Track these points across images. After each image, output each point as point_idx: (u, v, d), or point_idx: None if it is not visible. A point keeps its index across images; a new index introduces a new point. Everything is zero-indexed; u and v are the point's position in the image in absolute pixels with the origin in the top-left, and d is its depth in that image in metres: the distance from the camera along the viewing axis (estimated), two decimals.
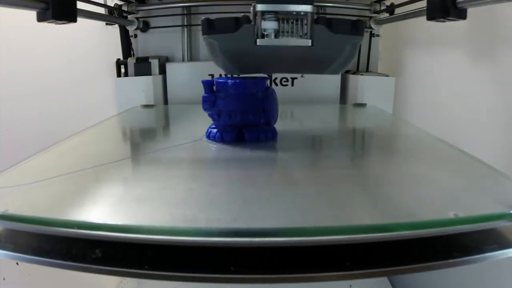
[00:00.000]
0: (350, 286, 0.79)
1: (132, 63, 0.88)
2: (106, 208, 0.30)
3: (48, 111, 1.02)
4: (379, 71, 0.96)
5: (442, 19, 0.54)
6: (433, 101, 0.83)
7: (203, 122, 0.54)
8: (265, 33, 0.44)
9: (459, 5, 0.52)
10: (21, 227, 0.28)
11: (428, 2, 0.57)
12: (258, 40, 0.44)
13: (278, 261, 0.27)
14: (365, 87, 0.86)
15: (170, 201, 0.32)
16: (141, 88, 0.86)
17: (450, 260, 0.27)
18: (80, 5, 0.63)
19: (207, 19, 0.45)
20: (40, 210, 0.29)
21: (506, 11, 0.58)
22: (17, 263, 0.53)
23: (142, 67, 0.88)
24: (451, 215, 0.28)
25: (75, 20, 0.57)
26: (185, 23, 0.92)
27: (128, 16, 0.89)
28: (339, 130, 0.67)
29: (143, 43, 0.94)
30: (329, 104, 0.89)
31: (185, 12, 0.92)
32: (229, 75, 0.71)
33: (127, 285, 0.84)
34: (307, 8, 0.43)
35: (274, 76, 0.88)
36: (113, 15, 0.86)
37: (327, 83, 0.90)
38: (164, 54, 0.94)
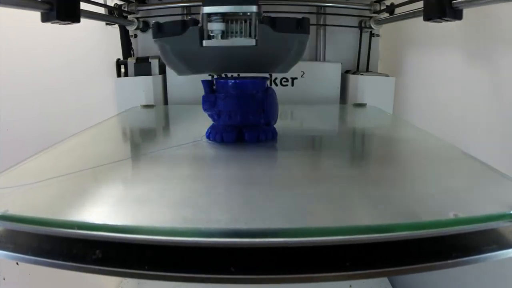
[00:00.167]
0: (350, 286, 0.79)
1: (132, 63, 0.88)
2: (106, 209, 0.30)
3: (48, 111, 1.01)
4: (379, 71, 0.96)
5: (438, 20, 0.55)
6: (433, 101, 0.83)
7: (203, 122, 0.54)
8: (212, 34, 0.45)
9: (455, 6, 0.53)
10: (21, 228, 0.28)
11: (424, 3, 0.57)
12: (203, 41, 0.45)
13: (278, 261, 0.27)
14: (365, 87, 0.86)
15: (170, 201, 0.32)
16: (141, 88, 0.86)
17: (450, 261, 0.27)
18: (80, 5, 0.64)
19: (157, 23, 0.46)
20: (41, 211, 0.29)
21: (505, 12, 0.58)
22: (17, 263, 0.53)
23: (142, 67, 0.88)
24: (451, 215, 0.28)
25: (78, 21, 0.57)
26: None
27: (128, 16, 0.89)
28: (339, 131, 0.67)
29: (143, 43, 0.94)
30: (329, 104, 0.89)
31: (185, 12, 0.92)
32: (229, 75, 0.71)
33: (127, 285, 0.84)
34: (251, 8, 0.44)
35: (274, 76, 0.88)
36: (113, 15, 0.86)
37: (327, 83, 0.90)
38: None
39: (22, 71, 0.98)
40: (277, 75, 0.89)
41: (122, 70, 0.88)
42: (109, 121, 0.68)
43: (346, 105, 0.89)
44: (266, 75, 0.61)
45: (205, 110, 0.50)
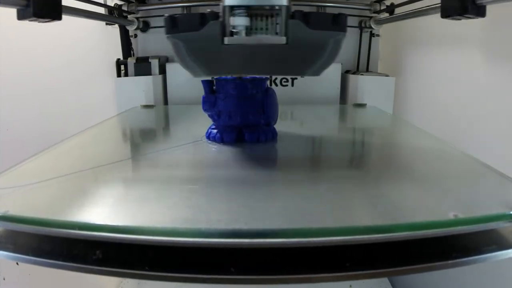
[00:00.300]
0: (350, 286, 0.79)
1: (132, 63, 0.88)
2: (106, 209, 0.30)
3: (48, 111, 1.01)
4: (379, 71, 0.96)
5: (458, 17, 0.50)
6: (433, 101, 0.83)
7: (203, 122, 0.54)
8: (235, 30, 0.39)
9: (479, 2, 0.47)
10: (22, 228, 0.28)
11: None
12: (225, 38, 0.39)
13: (278, 262, 0.27)
14: (365, 87, 0.86)
15: (170, 202, 0.32)
16: (141, 88, 0.86)
17: (450, 261, 0.27)
18: (80, 5, 0.64)
19: (170, 17, 0.40)
20: (41, 211, 0.30)
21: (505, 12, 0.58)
22: (17, 263, 0.54)
23: (142, 67, 0.88)
24: (450, 216, 0.28)
25: (59, 18, 0.52)
26: None
27: (128, 16, 0.89)
28: (339, 131, 0.67)
29: (143, 43, 0.94)
30: (329, 105, 0.89)
31: (185, 12, 0.92)
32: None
33: (127, 285, 0.84)
34: (281, 1, 0.38)
35: (274, 76, 0.88)
36: (113, 15, 0.86)
37: (327, 83, 0.90)
38: (164, 54, 0.94)
39: (22, 71, 0.98)
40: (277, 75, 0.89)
41: (122, 70, 0.88)
42: (109, 121, 0.68)
43: (346, 105, 0.89)
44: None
45: (205, 110, 0.50)
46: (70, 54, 1.00)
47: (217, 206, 0.31)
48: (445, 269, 0.28)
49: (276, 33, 0.39)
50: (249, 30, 0.39)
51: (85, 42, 0.99)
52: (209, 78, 0.48)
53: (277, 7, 0.38)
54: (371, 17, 0.89)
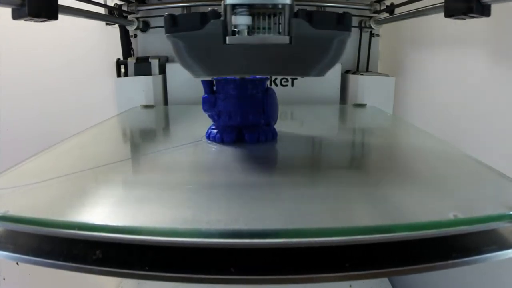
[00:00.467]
0: (350, 286, 0.79)
1: (132, 63, 0.88)
2: (106, 209, 0.30)
3: (48, 111, 1.02)
4: (379, 71, 0.96)
5: (462, 16, 0.49)
6: (433, 101, 0.83)
7: (203, 122, 0.54)
8: (237, 29, 0.38)
9: (483, 1, 0.46)
10: (22, 228, 0.28)
11: None
12: (227, 37, 0.38)
13: (278, 262, 0.27)
14: (365, 87, 0.86)
15: (170, 202, 0.32)
16: (141, 88, 0.86)
17: (450, 261, 0.27)
18: (80, 5, 0.64)
19: (170, 15, 0.40)
20: (41, 211, 0.30)
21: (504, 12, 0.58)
22: (17, 263, 0.54)
23: (142, 67, 0.88)
24: (450, 216, 0.28)
25: (55, 17, 0.51)
26: None
27: (128, 16, 0.89)
28: (339, 132, 0.67)
29: (143, 43, 0.94)
30: (329, 105, 0.89)
31: (185, 12, 0.92)
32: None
33: (127, 285, 0.84)
34: (284, 0, 0.37)
35: (274, 76, 0.88)
36: (113, 15, 0.86)
37: (327, 84, 0.90)
38: (164, 54, 0.94)
39: (22, 71, 0.98)
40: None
41: (122, 70, 0.88)
42: (109, 121, 0.68)
43: (346, 106, 0.89)
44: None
45: (205, 110, 0.50)
46: (70, 54, 1.00)
47: (217, 206, 0.31)
48: (445, 269, 0.28)
49: (279, 33, 0.38)
50: (251, 30, 0.38)
51: (85, 42, 0.99)
52: (210, 78, 0.48)
53: (280, 6, 0.37)
54: (371, 17, 0.89)
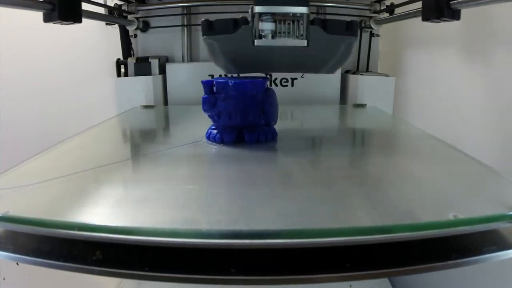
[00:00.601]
0: (350, 286, 0.79)
1: (132, 63, 0.88)
2: (106, 210, 0.30)
3: (48, 111, 1.02)
4: (379, 71, 0.96)
5: (436, 20, 0.55)
6: (433, 101, 0.83)
7: (203, 123, 0.54)
8: (263, 34, 0.46)
9: (453, 6, 0.53)
10: (22, 229, 0.28)
11: (423, 3, 0.58)
12: (255, 40, 0.46)
13: (278, 262, 0.27)
14: (365, 87, 0.86)
15: (171, 202, 0.32)
16: (141, 88, 0.86)
17: (450, 262, 0.27)
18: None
19: (207, 20, 0.47)
20: (41, 212, 0.29)
21: (504, 13, 0.58)
22: (17, 263, 0.54)
23: (142, 67, 0.88)
24: (450, 216, 0.28)
25: (80, 21, 0.58)
26: (185, 23, 0.92)
27: (128, 16, 0.89)
28: (339, 132, 0.67)
29: (143, 43, 0.94)
30: (329, 105, 0.89)
31: (185, 12, 0.92)
32: (229, 75, 0.71)
33: (127, 285, 0.84)
34: (303, 9, 0.45)
35: (274, 76, 0.88)
36: (113, 15, 0.86)
37: (327, 84, 0.90)
38: (164, 54, 0.94)
39: (22, 71, 0.98)
40: (277, 75, 0.89)
41: (122, 70, 0.88)
42: (109, 121, 0.68)
43: (346, 106, 0.89)
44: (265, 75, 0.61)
45: (205, 110, 0.50)
46: (70, 54, 1.00)
47: (217, 206, 0.31)
48: (445, 270, 0.28)
49: (297, 37, 0.46)
50: (274, 34, 0.46)
51: (85, 42, 0.99)
52: (241, 74, 0.54)
53: (298, 14, 0.46)
54: (371, 17, 0.89)
